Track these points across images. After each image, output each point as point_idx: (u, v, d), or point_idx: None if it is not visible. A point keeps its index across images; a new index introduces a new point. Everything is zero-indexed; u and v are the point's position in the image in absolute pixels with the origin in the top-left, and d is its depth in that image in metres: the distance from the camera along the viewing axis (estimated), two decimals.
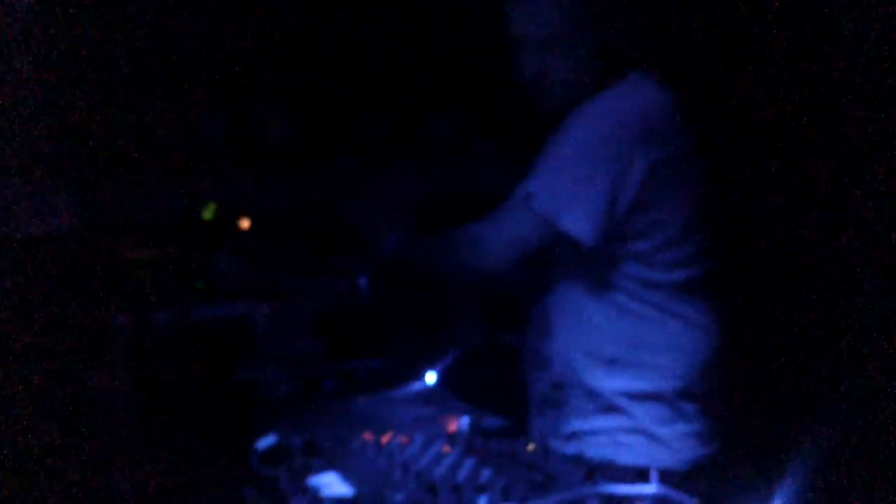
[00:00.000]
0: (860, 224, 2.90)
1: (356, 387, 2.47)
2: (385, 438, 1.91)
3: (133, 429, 2.28)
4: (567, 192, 2.10)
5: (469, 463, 1.80)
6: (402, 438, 1.91)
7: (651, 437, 2.22)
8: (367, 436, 1.96)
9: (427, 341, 2.69)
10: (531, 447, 1.96)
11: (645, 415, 2.21)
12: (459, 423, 2.07)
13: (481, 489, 1.67)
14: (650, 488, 1.72)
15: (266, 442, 1.89)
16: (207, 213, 2.77)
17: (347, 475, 1.76)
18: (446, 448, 1.88)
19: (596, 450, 2.11)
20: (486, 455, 1.87)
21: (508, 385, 2.49)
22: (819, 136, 2.91)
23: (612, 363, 2.23)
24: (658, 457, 2.18)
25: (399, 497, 1.63)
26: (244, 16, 3.09)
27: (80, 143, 2.70)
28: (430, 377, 2.43)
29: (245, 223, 2.77)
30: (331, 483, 1.72)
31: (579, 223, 2.10)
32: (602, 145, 2.11)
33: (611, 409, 2.23)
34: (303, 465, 1.81)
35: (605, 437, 2.23)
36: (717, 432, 2.26)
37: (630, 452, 2.19)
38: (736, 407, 2.32)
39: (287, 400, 2.39)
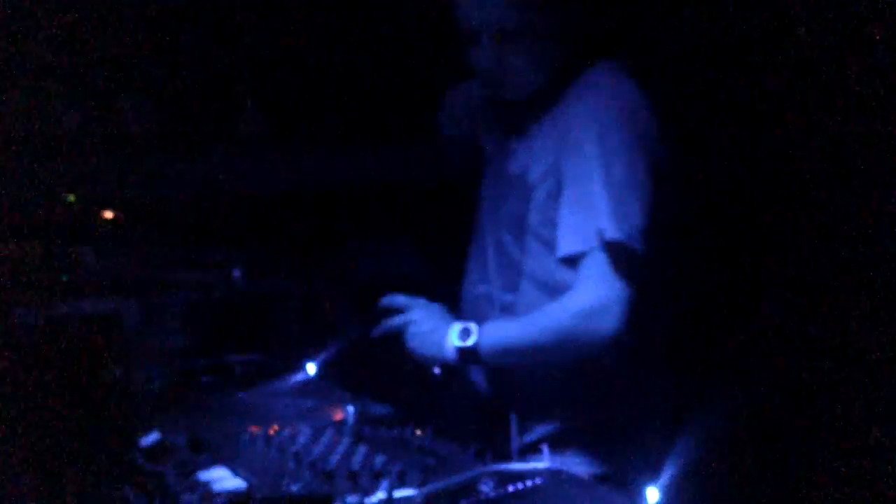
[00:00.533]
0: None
1: (235, 381, 2.40)
2: (272, 430, 1.86)
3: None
4: (625, 210, 1.97)
5: (362, 450, 1.76)
6: (289, 429, 1.86)
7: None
8: (254, 428, 1.91)
9: (304, 333, 2.63)
10: (419, 432, 1.95)
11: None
12: (345, 412, 2.03)
13: (378, 475, 1.64)
14: (542, 463, 1.72)
15: (149, 439, 1.81)
16: (70, 199, 2.65)
17: (237, 468, 1.70)
18: (335, 437, 1.85)
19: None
20: (376, 442, 1.84)
21: (390, 373, 2.46)
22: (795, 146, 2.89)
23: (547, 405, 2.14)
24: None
25: (295, 487, 1.58)
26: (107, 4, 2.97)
27: None
28: (311, 368, 2.38)
29: (109, 214, 2.67)
30: (221, 477, 1.66)
31: (638, 234, 1.97)
32: (632, 146, 2.01)
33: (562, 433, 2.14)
34: (189, 461, 1.74)
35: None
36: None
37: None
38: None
39: (163, 396, 2.31)
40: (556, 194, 2.06)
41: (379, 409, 2.14)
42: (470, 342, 2.04)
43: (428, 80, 2.55)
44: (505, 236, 2.17)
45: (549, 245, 2.08)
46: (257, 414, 2.10)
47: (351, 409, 2.02)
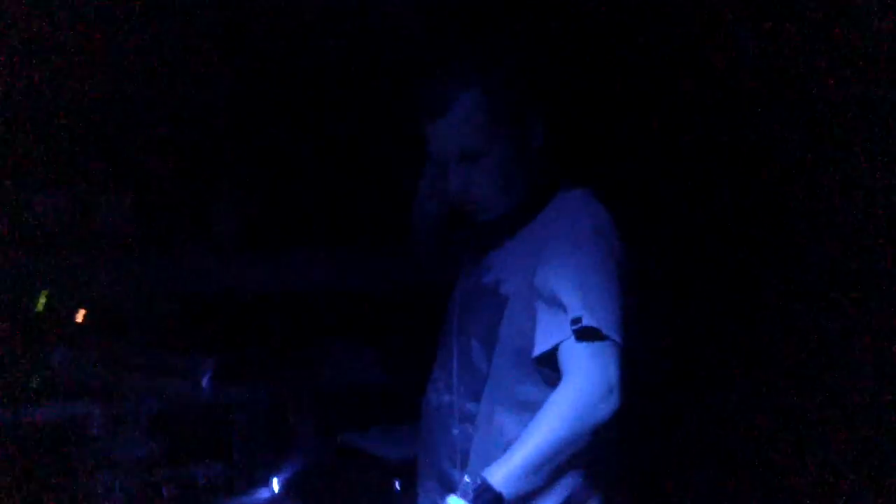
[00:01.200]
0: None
1: (197, 492, 2.38)
2: None
3: None
4: (602, 303, 2.03)
5: None
6: None
7: None
8: None
9: (269, 443, 2.62)
10: None
11: None
12: None
13: None
14: None
15: None
16: (40, 305, 2.64)
17: None
18: None
19: None
20: None
21: (352, 493, 2.46)
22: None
23: None
24: None
25: None
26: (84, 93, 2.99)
27: None
28: (275, 484, 2.37)
29: (81, 315, 2.66)
30: None
31: (614, 325, 2.01)
32: (605, 253, 2.07)
33: None
34: None
35: None
36: None
37: None
38: None
39: None
40: (529, 306, 2.09)
41: None
42: (481, 490, 1.97)
43: (404, 186, 2.59)
44: (473, 345, 2.18)
45: (519, 355, 2.09)
46: None
47: None
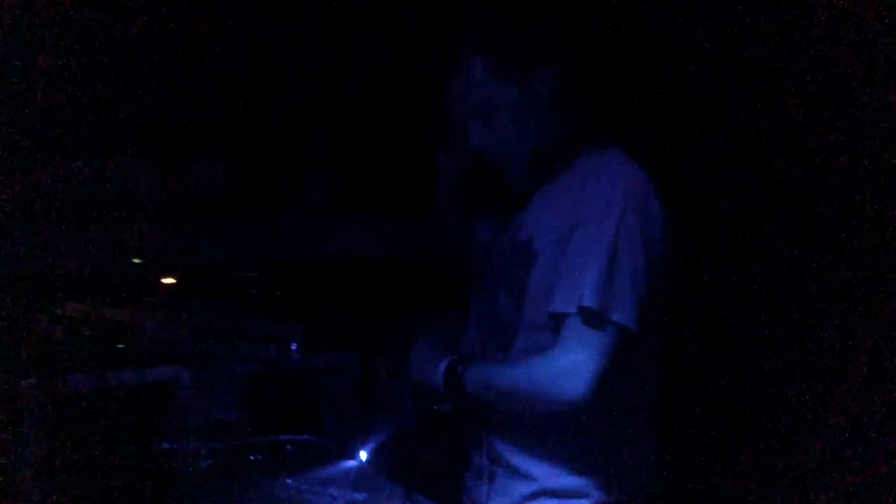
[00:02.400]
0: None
1: (284, 462, 2.33)
2: None
3: None
4: (611, 283, 2.03)
5: None
6: None
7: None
8: None
9: (360, 415, 2.56)
10: None
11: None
12: None
13: None
14: None
15: None
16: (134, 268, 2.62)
17: None
18: None
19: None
20: None
21: (443, 466, 2.38)
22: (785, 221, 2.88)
23: (551, 455, 2.16)
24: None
25: None
26: (181, 63, 2.96)
27: None
28: (363, 455, 2.30)
29: (170, 280, 2.63)
30: None
31: (626, 312, 2.02)
32: (629, 225, 2.06)
33: (540, 494, 2.17)
34: None
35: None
36: None
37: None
38: None
39: (211, 474, 2.24)
40: (556, 264, 2.11)
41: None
42: (451, 364, 2.13)
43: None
44: (502, 299, 2.21)
45: (542, 306, 2.12)
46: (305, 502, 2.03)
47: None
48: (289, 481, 2.17)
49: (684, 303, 2.67)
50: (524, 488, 2.17)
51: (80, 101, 2.72)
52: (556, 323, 2.06)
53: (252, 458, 2.34)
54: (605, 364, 1.99)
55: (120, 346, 2.41)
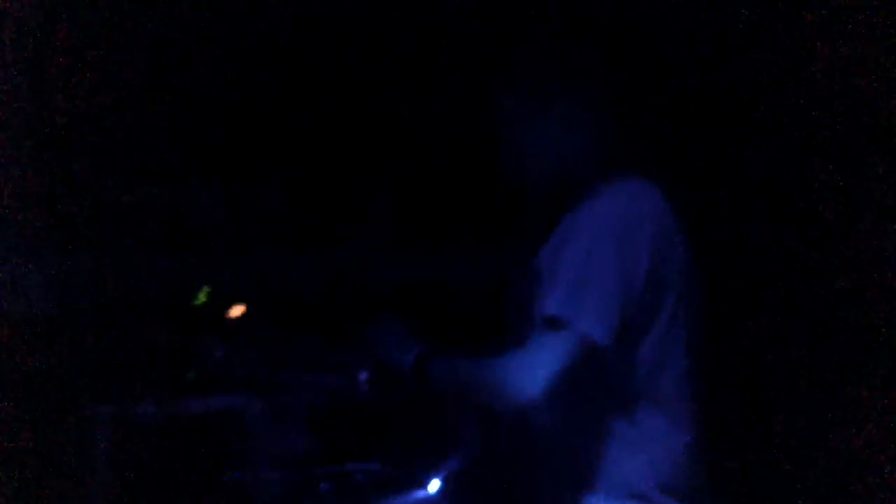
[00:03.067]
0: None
1: (354, 491, 2.31)
2: None
3: None
4: (579, 294, 2.08)
5: None
6: None
7: None
8: None
9: (429, 445, 2.53)
10: None
11: None
12: None
13: None
14: None
15: None
16: (201, 298, 2.62)
17: None
18: None
19: None
20: None
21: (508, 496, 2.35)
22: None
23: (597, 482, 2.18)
24: None
25: None
26: (241, 88, 2.99)
27: (59, 218, 2.58)
28: (434, 485, 2.28)
29: (239, 310, 2.63)
30: None
31: (596, 323, 2.06)
32: (606, 243, 2.12)
33: None
34: None
35: None
36: None
37: None
38: None
39: (285, 502, 2.24)
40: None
41: None
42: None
43: None
44: (523, 321, 2.23)
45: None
46: None
47: None
48: None
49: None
50: None
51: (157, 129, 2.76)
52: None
53: (322, 487, 2.33)
54: (563, 368, 2.04)
55: (191, 374, 2.41)
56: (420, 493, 2.26)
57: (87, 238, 2.58)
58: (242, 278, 2.77)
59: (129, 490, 2.22)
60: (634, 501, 2.16)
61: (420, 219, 3.06)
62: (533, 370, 2.05)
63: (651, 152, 2.38)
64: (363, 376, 2.50)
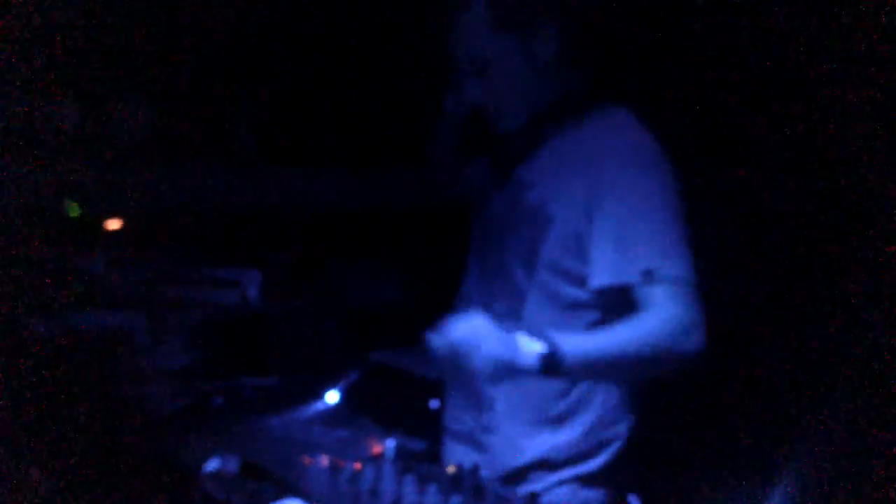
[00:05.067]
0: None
1: (247, 404, 2.34)
2: (326, 463, 1.81)
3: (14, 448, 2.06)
4: (668, 244, 2.06)
5: (433, 489, 1.74)
6: (355, 465, 1.82)
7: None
8: (307, 460, 1.86)
9: (319, 359, 2.58)
10: (451, 469, 1.93)
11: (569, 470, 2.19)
12: (385, 446, 2.00)
13: None
14: None
15: (210, 465, 1.75)
16: (73, 211, 2.55)
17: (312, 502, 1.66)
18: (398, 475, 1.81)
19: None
20: (435, 481, 1.82)
21: (407, 405, 2.44)
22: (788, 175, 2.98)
23: (545, 421, 2.19)
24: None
25: None
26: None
27: None
28: (332, 396, 2.34)
29: (115, 224, 2.58)
30: None
31: (684, 267, 2.06)
32: (659, 183, 2.10)
33: (539, 465, 2.19)
34: (256, 491, 1.69)
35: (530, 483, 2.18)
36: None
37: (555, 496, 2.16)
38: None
39: (179, 417, 2.23)
40: (580, 232, 2.10)
41: (413, 443, 2.13)
42: (548, 349, 1.98)
43: (425, 103, 2.56)
44: (513, 265, 2.18)
45: (567, 274, 2.12)
46: (294, 443, 2.05)
47: (391, 443, 2.00)
48: (273, 420, 2.19)
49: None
50: (518, 459, 2.18)
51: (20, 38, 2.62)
52: (628, 291, 2.05)
53: (215, 401, 2.34)
54: (700, 308, 2.02)
55: (79, 289, 2.36)
56: (317, 405, 2.31)
57: None
58: (111, 194, 2.70)
59: (18, 409, 2.16)
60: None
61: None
62: (694, 323, 2.01)
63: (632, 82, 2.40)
64: (251, 292, 2.52)
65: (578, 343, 2.00)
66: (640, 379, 2.14)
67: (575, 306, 2.12)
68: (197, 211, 2.65)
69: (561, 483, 2.15)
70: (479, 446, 2.21)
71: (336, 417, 2.26)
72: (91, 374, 2.29)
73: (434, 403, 2.50)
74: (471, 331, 1.97)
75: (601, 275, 2.07)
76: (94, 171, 2.69)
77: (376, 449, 2.04)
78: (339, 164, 2.95)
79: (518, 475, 2.16)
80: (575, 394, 2.15)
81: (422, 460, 1.94)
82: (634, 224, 2.04)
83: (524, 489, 2.00)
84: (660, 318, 2.02)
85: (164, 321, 2.39)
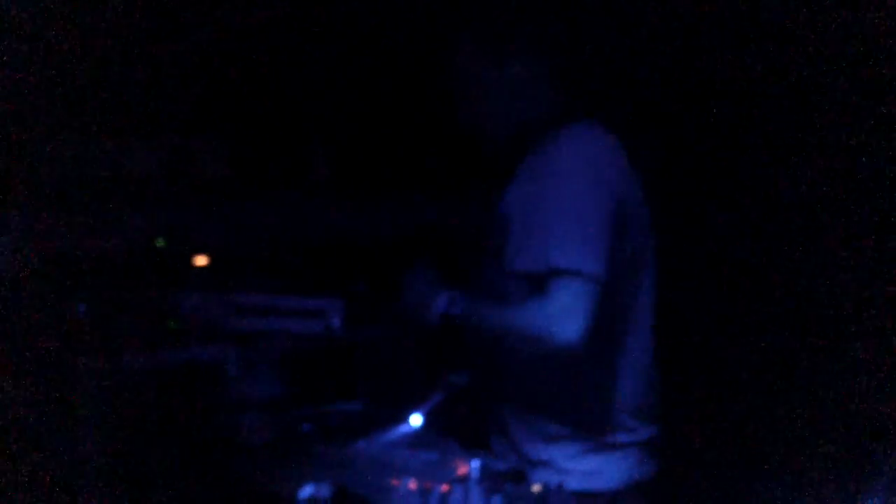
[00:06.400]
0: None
1: (335, 430, 2.41)
2: (426, 486, 1.87)
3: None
4: (576, 241, 2.20)
5: None
6: (443, 486, 1.88)
7: (593, 462, 2.34)
8: (396, 483, 1.92)
9: (403, 383, 2.64)
10: (537, 488, 1.98)
11: (586, 444, 2.33)
12: (471, 467, 2.05)
13: None
14: None
15: (305, 493, 1.82)
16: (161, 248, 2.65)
17: None
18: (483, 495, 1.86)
19: (540, 477, 2.22)
20: (522, 501, 1.86)
21: (487, 425, 2.49)
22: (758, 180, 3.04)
23: (554, 401, 2.34)
24: (604, 479, 2.33)
25: None
26: (181, 46, 2.99)
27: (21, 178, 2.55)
28: (416, 419, 2.39)
29: (202, 260, 2.67)
30: None
31: (599, 265, 2.20)
32: (583, 189, 2.24)
33: (555, 438, 2.34)
34: None
35: (549, 468, 2.34)
36: (656, 454, 2.42)
37: (573, 478, 2.29)
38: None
39: (270, 446, 2.31)
40: (526, 222, 2.30)
41: (498, 463, 2.18)
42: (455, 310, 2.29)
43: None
44: (488, 270, 2.39)
45: (515, 265, 2.31)
46: (383, 466, 2.11)
47: (476, 463, 2.05)
48: (360, 445, 2.26)
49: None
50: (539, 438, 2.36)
51: (83, 85, 2.74)
52: (529, 279, 2.24)
53: (304, 428, 2.41)
54: (588, 304, 2.17)
55: (171, 324, 2.45)
56: (402, 429, 2.37)
57: (53, 197, 2.58)
58: (195, 230, 2.80)
59: (115, 443, 2.25)
60: (617, 427, 2.34)
61: (377, 169, 3.14)
62: (565, 318, 2.17)
63: (607, 100, 2.52)
64: (335, 321, 2.59)
65: (479, 307, 2.28)
66: (528, 352, 2.28)
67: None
68: (280, 243, 2.74)
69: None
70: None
71: (421, 440, 2.32)
72: (186, 408, 2.37)
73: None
74: (420, 278, 2.36)
75: (515, 261, 2.28)
76: (180, 208, 2.79)
77: (462, 470, 2.10)
78: (410, 189, 3.03)
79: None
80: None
81: (507, 480, 1.99)
82: (552, 220, 2.22)
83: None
84: (547, 304, 2.18)
85: (254, 353, 2.47)
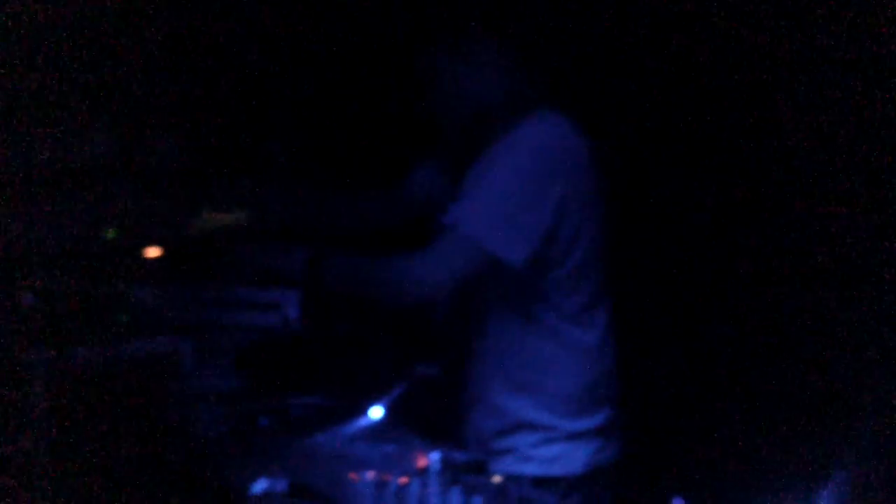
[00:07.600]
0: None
1: (294, 424, 2.36)
2: (383, 478, 1.83)
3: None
4: (497, 218, 2.22)
5: (479, 500, 1.75)
6: (401, 479, 1.84)
7: (555, 449, 2.35)
8: (354, 476, 1.88)
9: (356, 375, 2.61)
10: (496, 479, 1.95)
11: (548, 432, 2.35)
12: (430, 459, 2.01)
13: None
14: None
15: (258, 487, 1.77)
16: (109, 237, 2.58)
17: None
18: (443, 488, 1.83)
19: (504, 465, 2.28)
20: (481, 492, 1.83)
21: (449, 416, 2.46)
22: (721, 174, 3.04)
23: (520, 386, 2.35)
24: (563, 466, 2.34)
25: None
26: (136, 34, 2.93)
27: None
28: (376, 412, 2.35)
29: (154, 252, 2.61)
30: None
31: (509, 247, 2.22)
32: (527, 176, 2.26)
33: (518, 427, 2.35)
34: None
35: (512, 454, 2.36)
36: (617, 440, 2.44)
37: (536, 465, 2.33)
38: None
39: (226, 439, 2.26)
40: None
41: (459, 456, 2.14)
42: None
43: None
44: None
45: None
46: (342, 459, 2.06)
47: (436, 455, 2.01)
48: (319, 438, 2.21)
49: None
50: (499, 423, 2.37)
51: (48, 73, 2.68)
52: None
53: (262, 422, 2.36)
54: (448, 272, 2.23)
55: (121, 317, 2.39)
56: (363, 421, 2.33)
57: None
58: (146, 222, 2.74)
59: (65, 437, 2.20)
60: (579, 413, 2.33)
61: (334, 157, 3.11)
62: (432, 271, 2.23)
63: (567, 88, 2.50)
64: (292, 313, 2.54)
65: (342, 257, 2.34)
66: (389, 299, 2.34)
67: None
68: (234, 233, 2.68)
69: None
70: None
71: (381, 432, 2.28)
72: (139, 400, 2.32)
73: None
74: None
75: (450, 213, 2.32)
76: (131, 198, 2.73)
77: (422, 462, 2.06)
78: (363, 180, 2.99)
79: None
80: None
81: (467, 472, 1.96)
82: (482, 194, 2.27)
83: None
84: (424, 252, 2.26)
85: (209, 345, 2.41)
